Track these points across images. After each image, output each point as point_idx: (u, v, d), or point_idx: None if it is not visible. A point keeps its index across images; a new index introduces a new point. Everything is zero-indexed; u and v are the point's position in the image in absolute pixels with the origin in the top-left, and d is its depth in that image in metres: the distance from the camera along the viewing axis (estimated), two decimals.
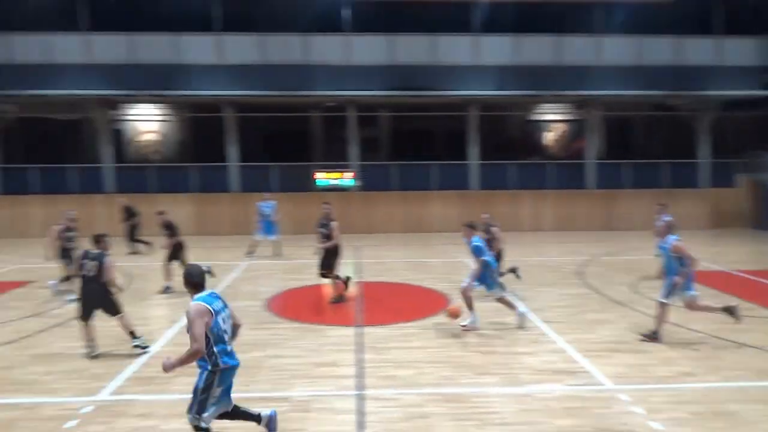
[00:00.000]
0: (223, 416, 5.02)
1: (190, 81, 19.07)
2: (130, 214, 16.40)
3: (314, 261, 14.65)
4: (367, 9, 19.83)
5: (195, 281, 4.92)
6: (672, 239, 7.80)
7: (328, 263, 10.43)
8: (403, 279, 12.36)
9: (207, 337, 4.69)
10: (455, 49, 19.91)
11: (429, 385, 6.48)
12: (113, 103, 21.07)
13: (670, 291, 7.74)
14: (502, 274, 10.23)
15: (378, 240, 18.70)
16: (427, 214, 20.72)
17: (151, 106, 23.04)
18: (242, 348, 7.70)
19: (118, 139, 22.58)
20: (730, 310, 7.93)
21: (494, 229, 10.85)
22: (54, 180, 20.38)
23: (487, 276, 8.59)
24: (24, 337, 8.32)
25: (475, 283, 8.59)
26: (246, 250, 15.38)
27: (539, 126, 24.91)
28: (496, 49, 19.94)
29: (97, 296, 7.37)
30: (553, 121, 24.71)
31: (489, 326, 8.69)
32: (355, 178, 20.57)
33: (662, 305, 7.83)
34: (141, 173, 20.83)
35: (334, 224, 10.40)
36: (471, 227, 8.79)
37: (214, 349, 4.78)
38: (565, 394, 6.27)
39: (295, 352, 7.61)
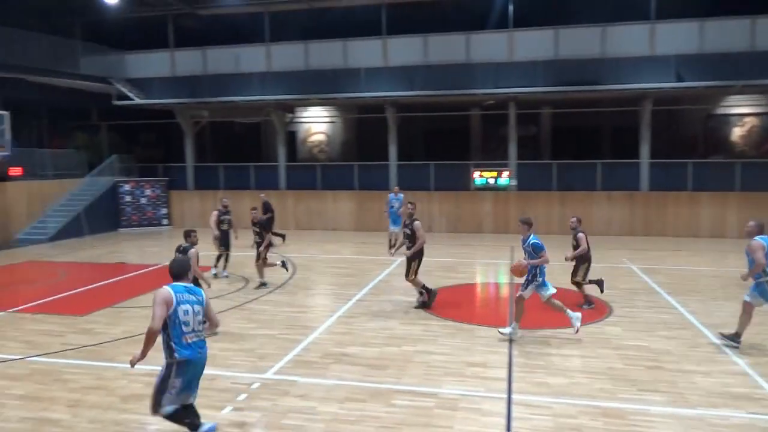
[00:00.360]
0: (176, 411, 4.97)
1: (357, 83, 20.04)
2: (266, 209, 17.50)
3: (468, 259, 14.78)
4: (531, 2, 19.22)
5: (173, 273, 5.16)
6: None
7: (411, 265, 9.90)
8: (561, 283, 11.81)
9: (166, 324, 4.84)
10: (627, 39, 18.46)
11: (584, 396, 6.14)
12: (289, 107, 22.91)
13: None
14: (588, 282, 9.88)
15: None
16: (589, 216, 19.51)
17: (321, 108, 24.68)
18: (393, 341, 8.00)
19: (291, 139, 24.53)
20: None
21: (580, 235, 9.95)
22: (237, 177, 22.73)
23: (543, 273, 8.13)
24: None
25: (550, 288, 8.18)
26: (388, 246, 15.92)
27: (724, 120, 22.22)
28: (676, 37, 18.13)
29: None
30: (742, 114, 21.89)
31: (655, 339, 7.99)
32: (511, 177, 20.10)
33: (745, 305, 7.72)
34: (309, 171, 22.38)
35: (417, 224, 9.91)
36: (527, 224, 8.42)
37: (171, 339, 4.86)
38: (744, 422, 5.55)
39: (446, 350, 7.66)
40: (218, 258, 12.78)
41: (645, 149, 19.49)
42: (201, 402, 5.97)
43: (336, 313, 9.53)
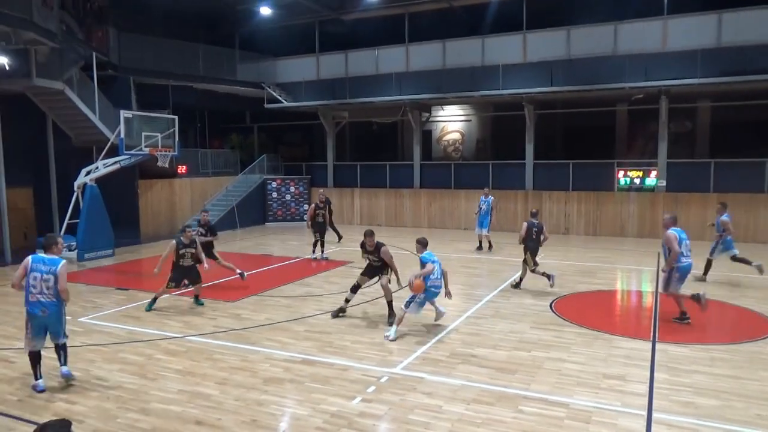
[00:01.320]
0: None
1: (495, 81, 19.70)
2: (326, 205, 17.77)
3: (607, 264, 13.89)
4: None
5: (43, 245, 6.63)
6: None
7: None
8: (714, 295, 10.71)
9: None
10: None
11: (739, 422, 5.52)
12: (426, 106, 23.16)
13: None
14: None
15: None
16: (754, 221, 17.46)
17: (457, 107, 24.62)
18: (523, 345, 7.78)
19: (426, 138, 24.76)
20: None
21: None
22: (373, 175, 23.44)
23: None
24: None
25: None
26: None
27: None
28: None
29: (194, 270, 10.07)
30: None
31: None
32: (659, 177, 18.56)
33: None
34: (444, 170, 22.43)
35: (384, 250, 8.99)
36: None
37: (25, 296, 6.32)
38: None
39: (580, 359, 7.29)
40: (314, 244, 14.76)
41: None
42: (332, 390, 6.29)
43: (465, 314, 9.48)
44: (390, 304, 9.02)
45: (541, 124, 21.07)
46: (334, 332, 8.52)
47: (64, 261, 6.44)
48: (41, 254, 6.47)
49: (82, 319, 9.32)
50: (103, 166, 15.50)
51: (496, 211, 16.87)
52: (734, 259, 11.77)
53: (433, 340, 8.05)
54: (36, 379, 6.44)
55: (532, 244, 11.12)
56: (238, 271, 11.64)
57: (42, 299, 6.25)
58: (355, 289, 9.27)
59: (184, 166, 21.37)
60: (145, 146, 15.15)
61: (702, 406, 5.89)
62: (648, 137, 20.29)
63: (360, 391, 6.30)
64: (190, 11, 21.67)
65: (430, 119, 24.70)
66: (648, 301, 10.89)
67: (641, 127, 21.58)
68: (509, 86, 19.43)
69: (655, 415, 5.70)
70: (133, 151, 15.05)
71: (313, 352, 7.64)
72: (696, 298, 8.68)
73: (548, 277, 10.80)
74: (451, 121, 25.43)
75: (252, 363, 7.24)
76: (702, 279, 11.71)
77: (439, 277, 8.40)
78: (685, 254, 8.84)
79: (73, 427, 3.10)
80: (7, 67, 14.60)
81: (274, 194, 23.32)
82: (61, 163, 17.53)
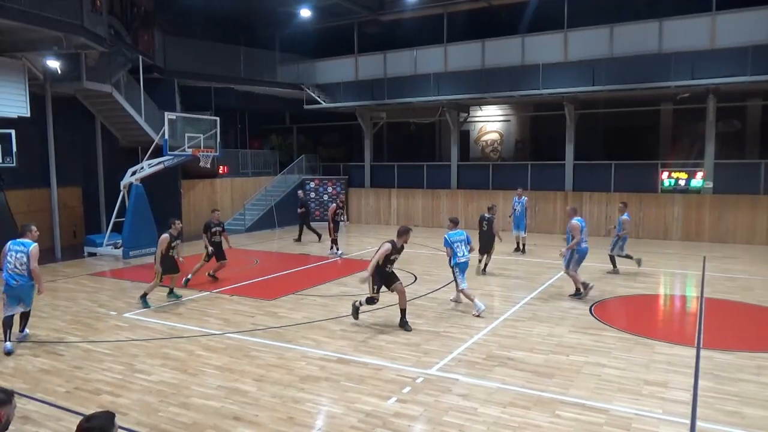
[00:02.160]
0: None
1: (535, 80, 19.44)
2: (302, 205, 18.88)
3: (650, 268, 13.53)
4: None
5: (19, 232, 8.19)
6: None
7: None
8: (761, 301, 10.32)
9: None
10: None
11: None
12: (464, 106, 23.02)
13: None
14: None
15: (732, 251, 15.97)
16: None
17: (495, 107, 24.39)
18: (561, 349, 7.66)
19: (464, 139, 24.62)
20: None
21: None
22: (410, 176, 23.44)
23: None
24: (376, 309, 9.83)
25: None
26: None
27: None
28: None
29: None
30: None
31: None
32: (705, 178, 17.96)
33: None
34: (481, 171, 22.25)
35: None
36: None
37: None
38: None
39: (620, 364, 7.13)
40: (334, 242, 15.66)
41: None
42: (367, 390, 6.33)
43: (502, 316, 9.38)
44: (404, 311, 8.75)
45: (581, 123, 20.68)
46: (369, 332, 8.56)
47: (35, 244, 7.92)
48: (18, 239, 7.97)
49: (127, 315, 9.62)
50: (148, 167, 15.95)
51: (530, 211, 16.69)
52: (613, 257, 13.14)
53: (469, 342, 8.00)
54: (5, 341, 7.77)
55: (483, 236, 12.62)
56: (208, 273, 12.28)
57: (14, 273, 7.77)
58: (372, 301, 8.79)
59: (225, 167, 21.82)
60: (188, 147, 15.53)
61: (749, 416, 5.69)
62: (694, 137, 19.66)
63: (395, 391, 6.31)
64: (231, 15, 22.11)
65: (468, 119, 24.54)
66: (692, 306, 10.57)
67: (687, 127, 20.94)
68: (550, 86, 19.13)
69: (698, 424, 5.53)
70: (176, 152, 15.44)
71: (349, 351, 7.69)
72: (638, 261, 12.55)
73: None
74: (490, 122, 25.21)
75: (288, 361, 7.34)
76: (615, 272, 12.96)
77: (465, 253, 9.69)
78: (584, 240, 10.63)
79: (117, 420, 3.21)
80: (59, 71, 15.21)
81: (312, 194, 23.56)
82: (109, 163, 18.15)
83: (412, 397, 6.18)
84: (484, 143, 25.40)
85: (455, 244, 9.62)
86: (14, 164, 13.69)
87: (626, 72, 18.02)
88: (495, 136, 25.24)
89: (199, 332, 8.65)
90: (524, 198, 15.91)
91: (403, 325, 8.64)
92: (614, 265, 13.11)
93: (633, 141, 21.63)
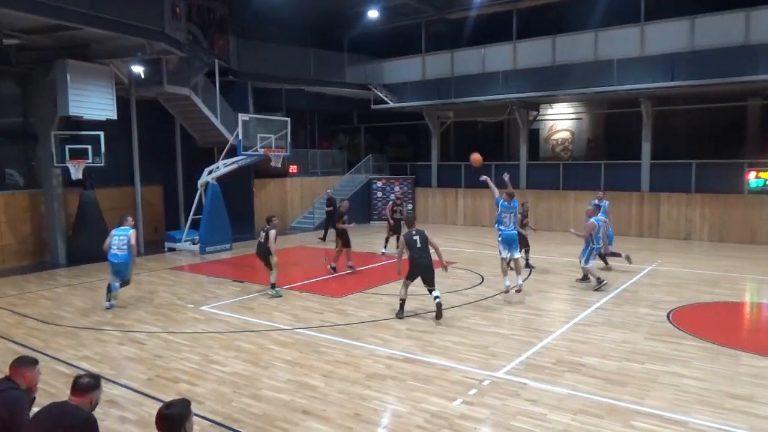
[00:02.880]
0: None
1: (609, 76, 18.72)
2: (330, 204, 18.66)
3: (734, 274, 12.75)
4: None
5: (118, 224, 10.30)
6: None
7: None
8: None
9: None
10: None
11: None
12: (533, 105, 22.51)
13: None
14: None
15: None
16: None
17: (566, 105, 23.69)
18: (636, 357, 7.35)
19: (533, 137, 24.07)
20: None
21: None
22: (476, 176, 23.08)
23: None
24: (444, 309, 9.80)
25: None
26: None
27: None
28: None
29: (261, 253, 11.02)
30: None
31: None
32: None
33: None
34: (552, 170, 21.68)
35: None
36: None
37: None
38: None
39: (701, 375, 6.76)
40: (386, 240, 15.79)
41: None
42: (433, 390, 6.33)
43: (573, 320, 9.11)
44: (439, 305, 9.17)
45: (659, 121, 19.75)
46: (436, 332, 8.54)
47: (133, 230, 10.16)
48: (120, 227, 10.14)
49: (203, 308, 10.05)
50: (223, 166, 16.59)
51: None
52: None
53: (538, 346, 7.83)
54: (107, 301, 10.03)
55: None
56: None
57: (116, 252, 9.89)
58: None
59: (295, 166, 22.35)
60: (260, 147, 16.03)
61: None
62: None
63: (461, 393, 6.26)
64: (301, 17, 22.60)
65: (538, 118, 23.95)
66: None
67: None
68: (625, 82, 18.37)
69: None
70: (249, 152, 15.98)
71: (415, 350, 7.70)
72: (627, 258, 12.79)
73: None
74: (561, 120, 24.51)
75: (355, 358, 7.43)
76: (607, 268, 13.02)
77: (512, 223, 10.47)
78: (599, 239, 11.44)
79: (192, 407, 3.37)
80: (143, 76, 16.09)
81: (379, 194, 23.75)
82: (187, 162, 19.01)
83: (479, 399, 6.12)
84: (554, 142, 24.73)
85: (503, 214, 10.37)
86: (102, 164, 14.62)
87: (708, 66, 17.01)
88: (566, 134, 24.51)
89: (269, 327, 8.91)
90: (606, 202, 13.88)
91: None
92: (606, 262, 13.25)
93: (716, 139, 20.41)
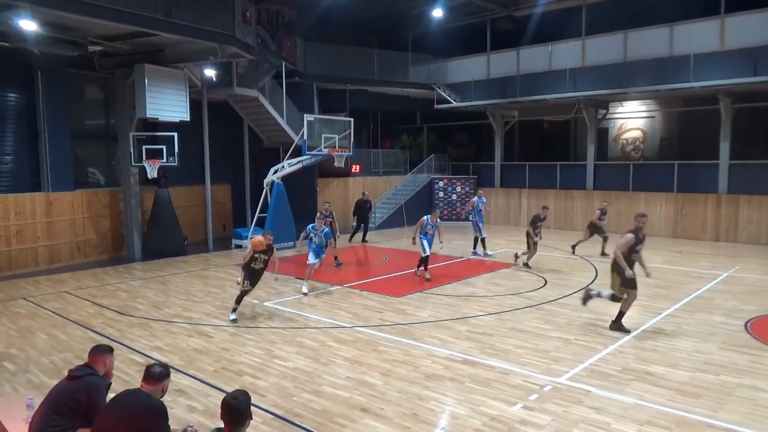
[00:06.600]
0: None
1: (685, 72, 17.82)
2: (359, 207, 18.65)
3: None
4: None
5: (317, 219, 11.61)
6: None
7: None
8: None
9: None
10: None
11: None
12: (603, 103, 21.78)
13: None
14: None
15: None
16: None
17: (638, 102, 22.76)
18: (710, 368, 7.00)
19: (602, 137, 23.28)
20: None
21: None
22: (542, 176, 22.65)
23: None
24: (504, 311, 9.67)
25: None
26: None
27: None
28: None
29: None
30: None
31: None
32: None
33: None
34: (621, 171, 20.90)
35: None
36: None
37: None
38: None
39: None
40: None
41: None
42: (492, 393, 6.26)
43: (641, 327, 8.76)
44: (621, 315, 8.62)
45: (739, 119, 18.64)
46: (497, 335, 8.42)
47: (327, 229, 11.45)
48: (313, 226, 11.46)
49: (267, 304, 10.35)
50: (288, 165, 17.01)
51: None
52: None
53: (603, 352, 7.58)
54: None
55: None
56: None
57: (316, 250, 11.27)
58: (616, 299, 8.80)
59: (358, 166, 22.60)
60: (324, 147, 16.31)
61: None
62: None
63: (521, 398, 6.16)
64: (365, 18, 22.82)
65: (607, 116, 23.14)
66: None
67: None
68: (702, 78, 17.44)
69: None
70: (313, 152, 16.30)
71: (474, 352, 7.63)
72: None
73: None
74: (631, 118, 23.57)
75: (414, 358, 7.45)
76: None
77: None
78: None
79: (253, 400, 3.49)
80: (214, 79, 16.73)
81: (441, 194, 23.64)
82: (254, 162, 19.61)
83: (540, 405, 5.99)
84: (624, 141, 23.81)
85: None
86: (176, 163, 15.30)
87: None
88: (637, 133, 23.55)
89: (330, 324, 9.07)
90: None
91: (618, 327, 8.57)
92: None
93: None
